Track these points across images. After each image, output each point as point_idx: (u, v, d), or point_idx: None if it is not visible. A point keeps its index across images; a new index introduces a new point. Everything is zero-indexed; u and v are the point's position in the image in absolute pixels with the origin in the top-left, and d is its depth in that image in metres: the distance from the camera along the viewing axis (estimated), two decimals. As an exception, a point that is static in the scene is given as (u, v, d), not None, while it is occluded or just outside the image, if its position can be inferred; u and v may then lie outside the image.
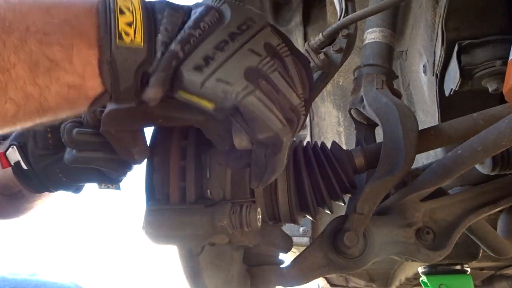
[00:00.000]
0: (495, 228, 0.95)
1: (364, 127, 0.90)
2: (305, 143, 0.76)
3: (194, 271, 0.65)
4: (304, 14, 1.54)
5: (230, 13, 0.49)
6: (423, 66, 1.03)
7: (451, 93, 0.88)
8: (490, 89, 0.82)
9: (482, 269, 1.98)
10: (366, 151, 0.77)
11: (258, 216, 0.59)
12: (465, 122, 0.75)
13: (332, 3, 1.26)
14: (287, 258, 0.78)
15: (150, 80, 0.46)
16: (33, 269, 1.22)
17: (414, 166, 0.75)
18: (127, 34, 0.45)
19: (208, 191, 0.62)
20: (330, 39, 0.83)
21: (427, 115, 1.09)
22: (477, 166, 0.85)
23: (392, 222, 0.75)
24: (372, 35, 0.92)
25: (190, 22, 0.47)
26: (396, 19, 0.94)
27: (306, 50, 0.83)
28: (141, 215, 0.61)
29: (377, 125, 0.85)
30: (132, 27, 0.45)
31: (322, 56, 0.82)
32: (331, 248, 0.73)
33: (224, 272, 0.66)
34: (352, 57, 0.91)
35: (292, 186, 0.71)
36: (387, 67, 0.88)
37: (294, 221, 0.73)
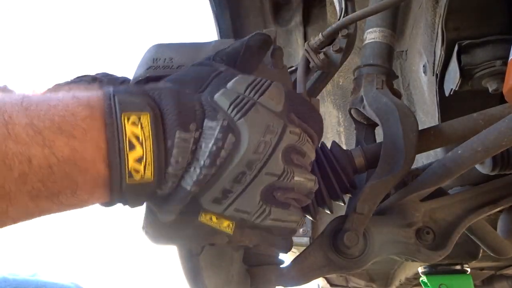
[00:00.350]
0: (495, 228, 0.95)
1: (364, 127, 0.90)
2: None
3: (194, 271, 0.65)
4: (304, 14, 1.54)
5: (248, 132, 0.46)
6: (423, 66, 1.03)
7: (451, 93, 0.88)
8: (490, 89, 0.82)
9: (482, 269, 1.98)
10: (366, 151, 0.77)
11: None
12: (465, 122, 0.75)
13: (332, 3, 1.26)
14: (287, 258, 0.78)
15: (164, 206, 0.48)
16: (34, 270, 1.22)
17: (414, 166, 0.75)
18: (137, 171, 0.43)
19: None
20: (330, 39, 0.83)
21: (427, 115, 1.09)
22: (477, 166, 0.85)
23: (392, 222, 0.75)
24: (372, 35, 0.92)
25: (206, 160, 0.45)
26: (396, 19, 0.94)
27: (306, 50, 0.83)
28: (141, 215, 0.61)
29: (377, 125, 0.85)
30: (142, 163, 0.43)
31: (322, 56, 0.82)
32: (331, 248, 0.73)
33: (224, 272, 0.66)
34: (352, 57, 0.91)
35: (292, 186, 0.71)
36: (387, 67, 0.88)
37: (294, 221, 0.73)
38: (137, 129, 0.43)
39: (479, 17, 0.84)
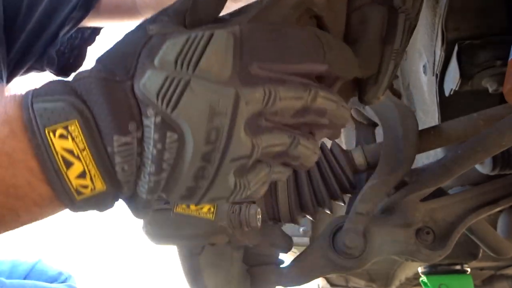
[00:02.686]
0: (495, 228, 0.95)
1: (364, 127, 0.90)
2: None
3: (194, 270, 0.65)
4: (304, 14, 1.53)
5: (189, 126, 0.37)
6: (423, 66, 1.03)
7: (451, 93, 0.88)
8: (490, 89, 0.82)
9: (482, 269, 1.98)
10: (366, 151, 0.77)
11: (258, 216, 0.59)
12: (465, 122, 0.75)
13: (332, 3, 1.26)
14: (287, 258, 0.78)
15: (133, 208, 0.43)
16: (38, 256, 1.25)
17: (414, 166, 0.75)
18: (84, 187, 0.38)
19: None
20: (330, 39, 0.83)
21: (427, 115, 1.09)
22: (477, 166, 0.85)
23: (392, 222, 0.75)
24: (372, 35, 0.92)
25: (151, 166, 0.38)
26: (396, 19, 0.94)
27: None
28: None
29: (377, 125, 0.85)
30: (87, 177, 0.37)
31: (322, 56, 0.82)
32: (331, 248, 0.73)
33: (224, 271, 0.66)
34: (352, 57, 0.90)
35: (292, 186, 0.71)
36: (387, 67, 0.88)
37: (294, 221, 0.73)
38: (67, 142, 0.37)
39: (479, 17, 0.84)
